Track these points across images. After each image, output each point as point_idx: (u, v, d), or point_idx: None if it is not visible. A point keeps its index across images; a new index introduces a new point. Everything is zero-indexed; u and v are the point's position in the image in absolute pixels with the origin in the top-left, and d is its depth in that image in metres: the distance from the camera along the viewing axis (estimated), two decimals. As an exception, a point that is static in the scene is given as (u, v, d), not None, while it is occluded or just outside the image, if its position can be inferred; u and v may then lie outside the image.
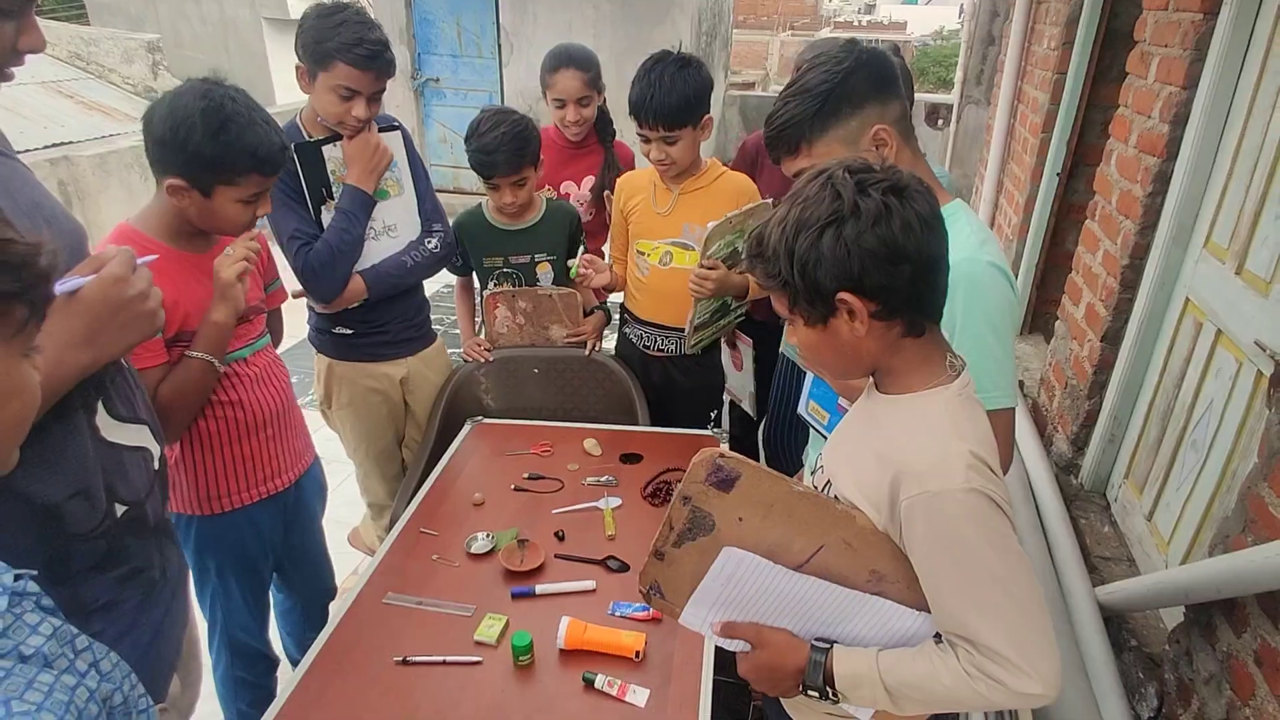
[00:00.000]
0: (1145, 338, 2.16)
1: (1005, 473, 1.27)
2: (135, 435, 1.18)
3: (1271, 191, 1.70)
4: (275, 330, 1.80)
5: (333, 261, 1.89)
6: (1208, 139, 1.93)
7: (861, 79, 1.22)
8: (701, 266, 1.93)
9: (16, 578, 0.69)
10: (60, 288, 0.98)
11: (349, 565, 2.72)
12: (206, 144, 1.36)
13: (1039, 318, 3.63)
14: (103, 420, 1.11)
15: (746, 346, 2.36)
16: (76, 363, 0.99)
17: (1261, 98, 1.78)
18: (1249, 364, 1.70)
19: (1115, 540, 2.14)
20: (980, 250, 1.19)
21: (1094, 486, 2.38)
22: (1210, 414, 1.84)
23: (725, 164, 2.17)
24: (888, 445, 0.95)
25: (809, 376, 1.57)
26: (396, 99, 6.72)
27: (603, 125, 2.52)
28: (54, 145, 4.91)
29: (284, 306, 1.85)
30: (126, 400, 1.17)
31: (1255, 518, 1.36)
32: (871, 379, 1.03)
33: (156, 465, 1.23)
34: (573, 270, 2.12)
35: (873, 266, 0.87)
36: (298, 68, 1.82)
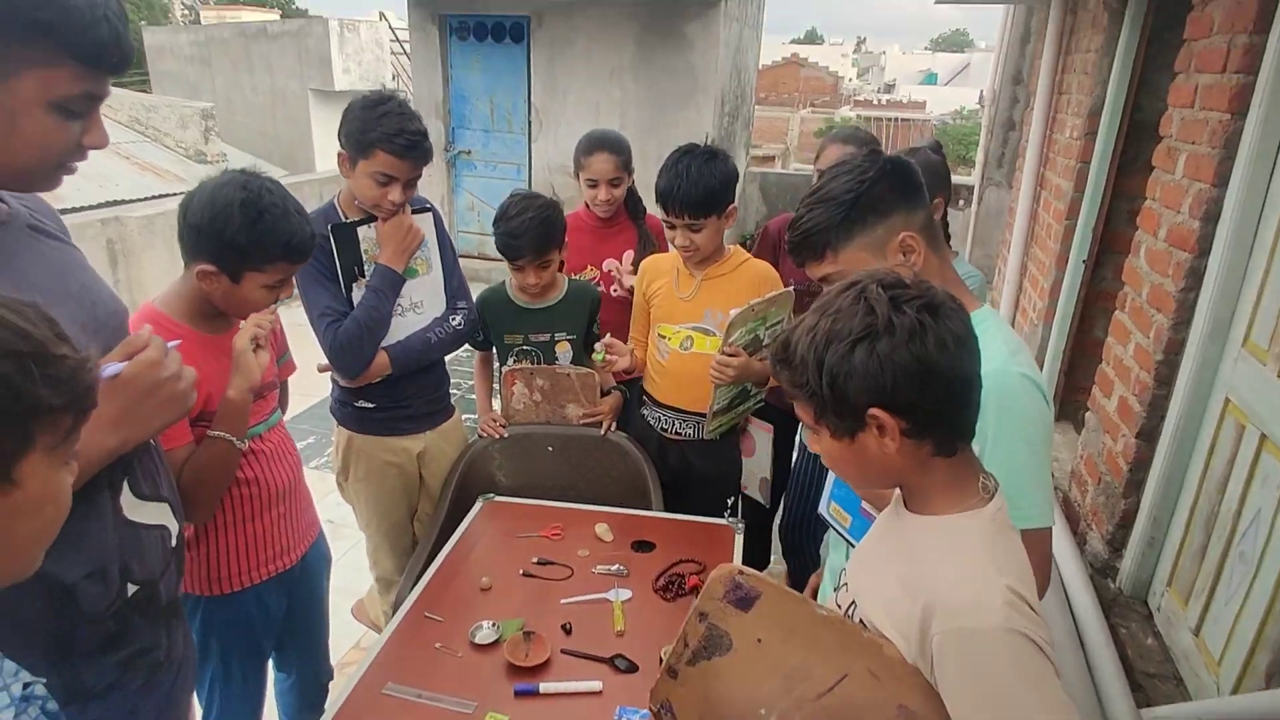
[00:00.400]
0: (1183, 437, 2.07)
1: (1042, 595, 1.20)
2: (156, 513, 1.18)
3: (1313, 292, 1.65)
4: (283, 401, 1.81)
5: (361, 339, 1.93)
6: (1241, 236, 1.88)
7: (887, 187, 1.22)
8: (723, 353, 1.93)
9: (25, 685, 0.70)
10: (101, 373, 0.99)
11: (351, 637, 2.64)
12: (242, 233, 1.41)
13: (1067, 405, 3.55)
14: (126, 499, 1.11)
15: (764, 433, 2.32)
16: (107, 446, 1.00)
17: (1298, 196, 1.75)
18: (1299, 474, 1.62)
19: (1160, 655, 2.00)
20: (1011, 361, 1.16)
21: (1134, 592, 2.25)
22: (1258, 524, 1.73)
23: (746, 238, 2.19)
24: (918, 572, 0.90)
25: (831, 475, 1.52)
26: (429, 169, 6.87)
27: (633, 203, 2.62)
28: (107, 204, 5.10)
29: (311, 377, 1.89)
30: (151, 478, 1.17)
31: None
32: (899, 491, 0.99)
33: (174, 543, 1.22)
34: (598, 355, 2.11)
35: (905, 383, 0.84)
36: (340, 154, 1.90)
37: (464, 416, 2.40)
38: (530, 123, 6.62)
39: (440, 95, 6.73)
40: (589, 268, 2.59)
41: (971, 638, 0.81)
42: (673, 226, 2.01)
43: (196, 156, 9.56)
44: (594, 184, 2.49)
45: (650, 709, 1.01)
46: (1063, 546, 2.49)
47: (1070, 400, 3.56)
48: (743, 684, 0.95)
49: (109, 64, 0.96)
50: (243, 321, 1.50)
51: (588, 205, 2.57)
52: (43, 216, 1.13)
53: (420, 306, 2.08)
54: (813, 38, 72.32)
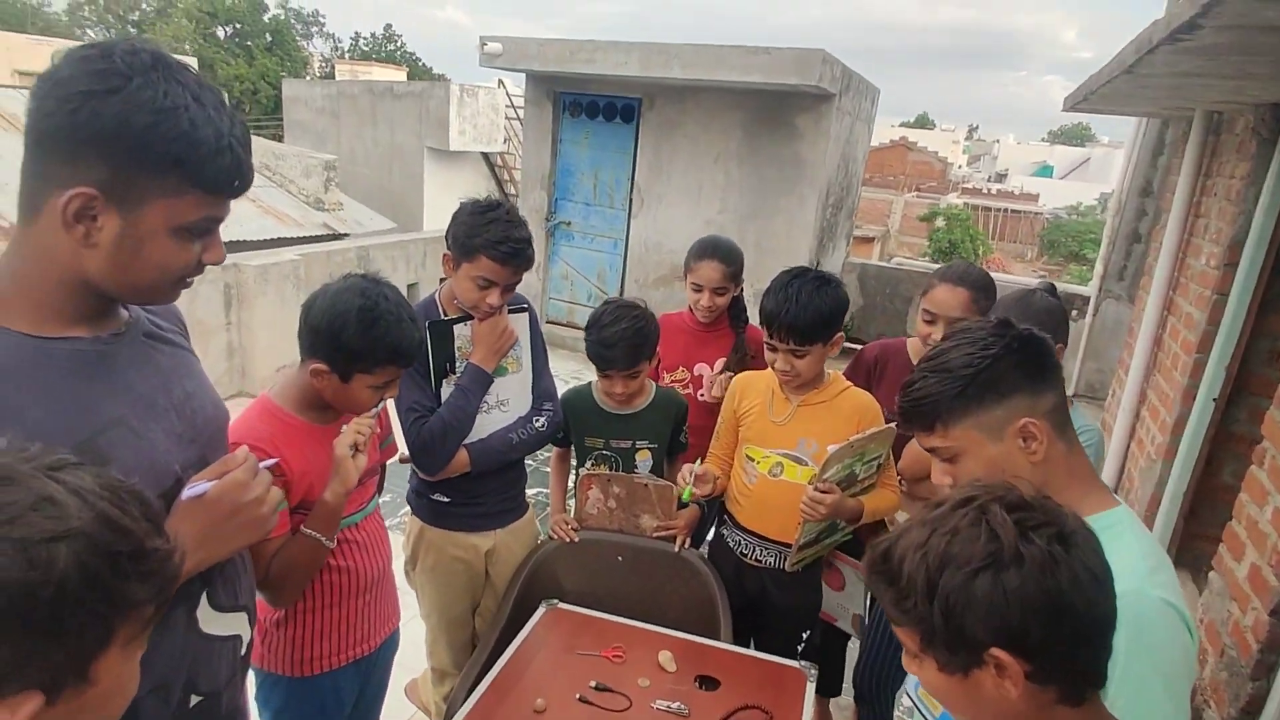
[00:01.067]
0: (1332, 628, 1.83)
1: None
2: (231, 624, 1.18)
3: None
4: (381, 483, 1.85)
5: (444, 436, 1.94)
6: None
7: (1011, 365, 1.12)
8: (817, 489, 1.85)
9: None
10: (188, 493, 1.02)
11: (403, 713, 2.59)
12: (356, 338, 1.47)
13: (1185, 553, 3.25)
14: (204, 612, 1.11)
15: (852, 570, 2.18)
16: (186, 567, 0.99)
17: None
18: None
19: None
20: (1149, 582, 1.02)
21: (1257, 788, 1.98)
22: None
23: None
24: None
25: None
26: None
27: (736, 312, 2.60)
28: (230, 244, 5.44)
29: (390, 464, 1.89)
30: (231, 588, 1.17)
31: None
32: None
33: (244, 650, 1.22)
34: (685, 494, 2.04)
35: (1035, 623, 0.76)
36: (445, 255, 1.95)
37: (538, 514, 2.36)
38: (631, 200, 6.75)
39: (548, 168, 6.96)
40: (680, 369, 2.58)
41: None
42: (774, 349, 1.96)
43: (315, 204, 10.17)
44: (699, 289, 2.49)
45: None
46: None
47: (1189, 547, 3.26)
48: None
49: (231, 191, 0.99)
50: (345, 426, 1.54)
51: (691, 309, 2.56)
52: (162, 319, 1.15)
53: (506, 405, 2.08)
54: (924, 122, 72.00)
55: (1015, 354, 1.12)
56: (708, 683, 1.83)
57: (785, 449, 2.02)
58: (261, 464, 1.14)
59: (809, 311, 1.86)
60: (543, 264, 7.24)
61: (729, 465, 2.19)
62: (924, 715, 1.32)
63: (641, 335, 2.06)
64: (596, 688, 1.80)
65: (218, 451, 1.16)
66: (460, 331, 1.99)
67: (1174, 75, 2.42)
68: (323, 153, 11.19)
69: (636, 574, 2.20)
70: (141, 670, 0.99)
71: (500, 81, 14.63)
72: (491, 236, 1.83)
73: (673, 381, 2.56)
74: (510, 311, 2.04)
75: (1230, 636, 2.19)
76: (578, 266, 7.20)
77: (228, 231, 5.95)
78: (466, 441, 2.00)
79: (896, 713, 2.49)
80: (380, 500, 1.81)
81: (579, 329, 6.79)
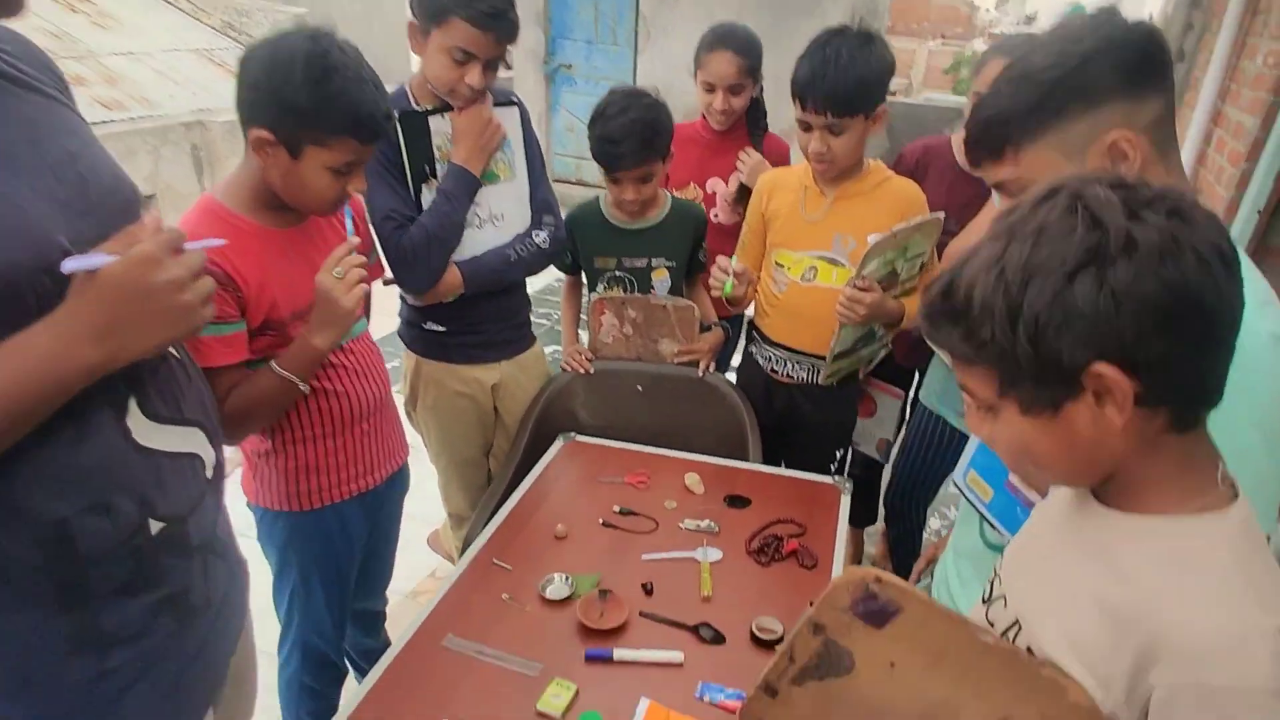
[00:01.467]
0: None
1: None
2: (181, 439, 1.01)
3: None
4: (367, 308, 1.66)
5: (429, 247, 1.72)
6: None
7: (1106, 66, 0.88)
8: (855, 287, 1.65)
9: None
10: (74, 264, 0.80)
11: (427, 565, 2.60)
12: (303, 92, 1.21)
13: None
14: (136, 421, 0.93)
15: (891, 399, 2.07)
16: (85, 359, 0.81)
17: None
18: None
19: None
20: (1259, 316, 0.81)
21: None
22: None
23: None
24: (1131, 595, 0.65)
25: (973, 440, 1.26)
26: (528, 83, 6.66)
27: (754, 116, 2.29)
28: (200, 110, 5.08)
29: (375, 291, 1.69)
30: (170, 397, 0.99)
31: None
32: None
33: (209, 474, 1.06)
34: (727, 288, 1.78)
35: (1152, 326, 0.59)
36: (410, 24, 1.65)
37: (548, 349, 2.22)
38: (637, 34, 6.23)
39: (541, 1, 6.41)
40: (691, 185, 2.31)
41: (1220, 699, 0.59)
42: (808, 129, 1.70)
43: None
44: (711, 88, 2.18)
45: None
46: None
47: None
48: (862, 715, 0.76)
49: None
50: (331, 259, 1.32)
51: (704, 115, 2.26)
52: (24, 64, 0.90)
53: (500, 219, 1.85)
54: (942, -42, 67.04)
55: (1117, 49, 0.88)
56: (738, 502, 1.73)
57: (820, 250, 1.81)
58: (199, 244, 0.93)
59: (851, 75, 1.60)
60: (544, 115, 6.81)
61: (756, 278, 1.97)
62: (975, 503, 1.22)
63: (652, 129, 1.81)
64: (621, 512, 1.70)
65: None
66: (438, 127, 1.72)
67: None
68: (293, 6, 10.43)
69: (658, 403, 2.06)
70: (63, 483, 0.84)
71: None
72: None
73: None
74: (496, 105, 1.77)
75: None
76: (583, 115, 6.68)
77: (193, 100, 5.61)
78: (457, 259, 1.78)
79: (926, 534, 2.46)
80: (368, 327, 1.64)
81: (589, 186, 6.46)
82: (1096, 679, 0.66)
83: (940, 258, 1.88)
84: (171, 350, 1.01)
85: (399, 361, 2.06)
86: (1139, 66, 0.90)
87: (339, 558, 1.62)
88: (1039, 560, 0.80)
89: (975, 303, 0.65)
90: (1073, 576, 0.73)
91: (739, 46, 2.14)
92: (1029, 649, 0.72)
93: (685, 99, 2.37)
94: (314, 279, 1.32)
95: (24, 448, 0.81)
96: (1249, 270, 0.87)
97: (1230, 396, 0.79)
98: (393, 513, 1.79)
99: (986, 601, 0.84)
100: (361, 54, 1.30)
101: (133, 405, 0.93)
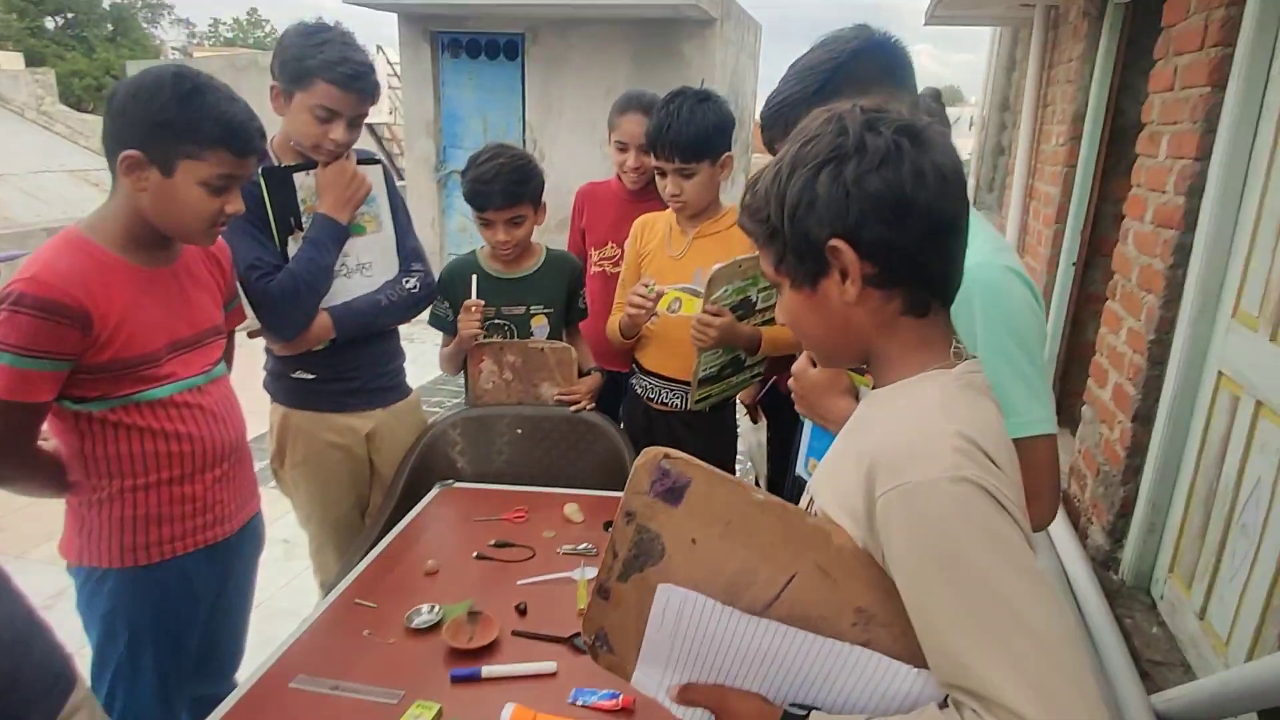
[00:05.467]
0: (1179, 416, 2.00)
1: (1051, 518, 1.08)
2: None
3: (1300, 252, 1.58)
4: (229, 355, 1.64)
5: (296, 293, 1.70)
6: (1226, 207, 1.87)
7: (869, 61, 1.11)
8: (706, 311, 1.75)
9: None
10: None
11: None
12: (173, 106, 1.21)
13: (1063, 410, 3.43)
14: None
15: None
16: None
17: (1279, 161, 1.70)
18: (1298, 432, 1.52)
19: (1166, 643, 1.90)
20: (996, 255, 1.04)
21: (1137, 583, 2.15)
22: (1259, 492, 1.65)
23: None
24: (868, 439, 0.76)
25: (807, 429, 1.40)
26: (420, 189, 6.86)
27: None
28: (67, 219, 5.02)
29: (239, 346, 1.68)
30: None
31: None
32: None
33: None
34: (667, 299, 1.88)
35: (873, 215, 0.72)
36: (273, 88, 1.72)
37: (426, 404, 2.22)
38: (525, 141, 6.56)
39: (432, 114, 6.68)
40: (609, 244, 2.37)
41: (915, 493, 0.67)
42: (663, 174, 1.87)
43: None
44: (624, 147, 2.29)
45: (584, 641, 0.88)
46: (1065, 541, 2.42)
47: (1065, 406, 3.47)
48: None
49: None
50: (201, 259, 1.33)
51: (619, 175, 2.38)
52: None
53: (369, 269, 1.87)
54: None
55: (876, 49, 1.12)
56: (617, 527, 1.80)
57: (683, 283, 1.92)
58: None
59: (693, 126, 1.78)
60: (437, 219, 6.99)
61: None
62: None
63: (521, 172, 1.91)
64: (496, 545, 1.66)
65: None
66: (303, 182, 1.75)
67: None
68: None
69: (538, 445, 2.06)
70: None
71: (379, 47, 14.03)
72: (329, 57, 1.62)
73: (602, 259, 2.37)
74: (360, 163, 1.82)
75: (1103, 455, 2.36)
76: (475, 219, 7.01)
77: (63, 214, 5.48)
78: (328, 306, 1.78)
79: None
80: (229, 374, 1.58)
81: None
82: (851, 517, 0.73)
83: None
84: None
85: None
86: (896, 65, 1.15)
87: (179, 621, 1.47)
88: (830, 451, 0.89)
89: (759, 191, 0.78)
90: (843, 445, 0.84)
91: (649, 108, 2.24)
92: (816, 514, 0.79)
93: (570, 197, 2.54)
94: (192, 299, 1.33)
95: None
96: (985, 225, 1.09)
97: (989, 320, 1.00)
98: (245, 574, 1.65)
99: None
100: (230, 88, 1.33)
101: None
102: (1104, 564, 2.27)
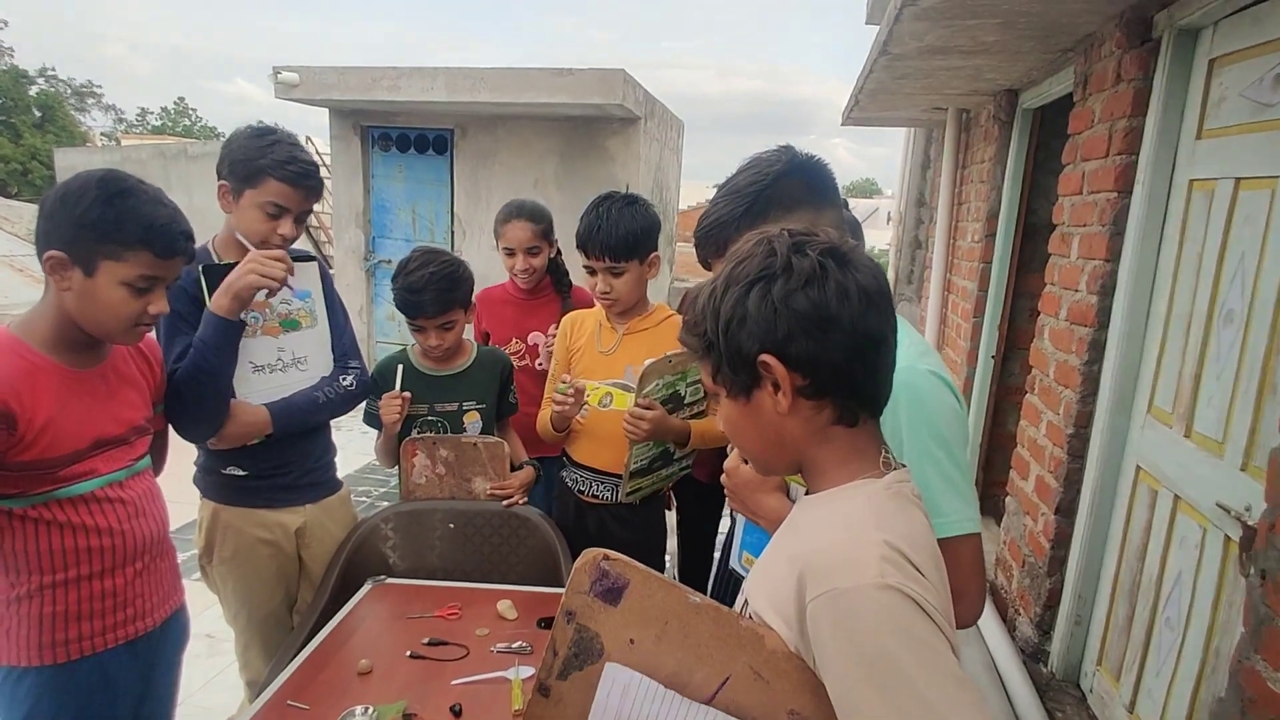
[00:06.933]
0: (1100, 509, 2.07)
1: (978, 616, 1.10)
2: None
3: (1209, 351, 1.69)
4: (158, 456, 1.63)
5: (181, 399, 1.64)
6: (1137, 306, 1.97)
7: (794, 182, 1.18)
8: (637, 405, 1.82)
9: None
10: None
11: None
12: (97, 209, 1.25)
13: (986, 500, 3.56)
14: None
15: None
16: None
17: (1185, 264, 1.83)
18: (1214, 529, 1.60)
19: (1098, 736, 1.90)
20: (919, 360, 1.11)
21: (1066, 675, 2.16)
22: (1180, 587, 1.70)
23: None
24: (800, 544, 0.80)
25: (740, 524, 1.41)
26: (348, 278, 6.80)
27: (558, 276, 2.58)
28: None
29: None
30: None
31: (1254, 696, 1.19)
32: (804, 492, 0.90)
33: None
34: (562, 388, 1.94)
35: (799, 331, 0.77)
36: (221, 186, 1.76)
37: (356, 498, 2.18)
38: (453, 231, 6.65)
39: (361, 205, 6.72)
40: (514, 340, 2.52)
41: (843, 599, 0.70)
42: (593, 273, 1.96)
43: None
44: (511, 253, 2.46)
45: None
46: (993, 633, 2.42)
47: (989, 495, 3.58)
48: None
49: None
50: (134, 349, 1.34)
51: (512, 278, 2.52)
52: None
53: (304, 363, 1.89)
54: (732, 182, 76.59)
55: (799, 171, 1.18)
56: (551, 623, 1.75)
57: (613, 379, 2.00)
58: None
59: (620, 228, 1.89)
60: (366, 307, 6.93)
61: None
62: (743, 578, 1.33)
63: (451, 279, 1.97)
64: (430, 643, 1.65)
65: None
66: None
67: (922, 54, 2.74)
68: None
69: (470, 539, 2.06)
70: None
71: (309, 138, 14.07)
72: (278, 157, 1.69)
73: (510, 355, 2.47)
74: (296, 260, 1.83)
75: (1028, 546, 2.42)
76: (402, 306, 6.95)
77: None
78: (267, 402, 1.79)
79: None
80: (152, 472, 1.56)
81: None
82: (784, 620, 0.78)
83: None
84: None
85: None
86: (819, 184, 1.22)
87: None
88: (765, 555, 0.93)
89: (698, 307, 0.85)
90: (774, 549, 0.88)
91: (530, 215, 2.46)
92: (751, 616, 0.83)
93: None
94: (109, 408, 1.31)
95: None
96: (910, 332, 1.15)
97: (912, 419, 1.03)
98: (169, 669, 1.61)
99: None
100: (162, 191, 1.37)
101: None
102: (1033, 656, 2.29)
